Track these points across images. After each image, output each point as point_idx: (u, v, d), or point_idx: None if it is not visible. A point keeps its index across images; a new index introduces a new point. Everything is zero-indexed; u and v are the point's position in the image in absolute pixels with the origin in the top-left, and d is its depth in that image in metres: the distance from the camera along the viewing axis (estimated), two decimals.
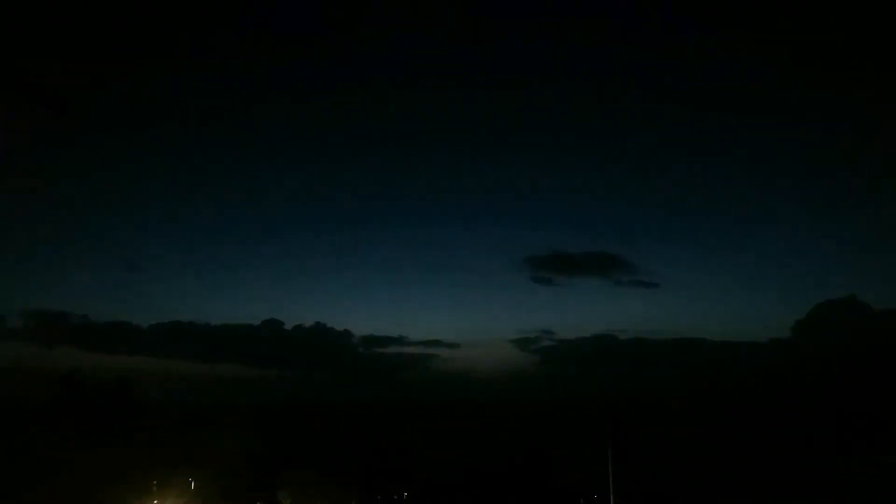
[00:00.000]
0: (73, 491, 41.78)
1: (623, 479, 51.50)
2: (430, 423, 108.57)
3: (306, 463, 62.67)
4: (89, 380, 50.52)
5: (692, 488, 60.06)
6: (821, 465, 56.92)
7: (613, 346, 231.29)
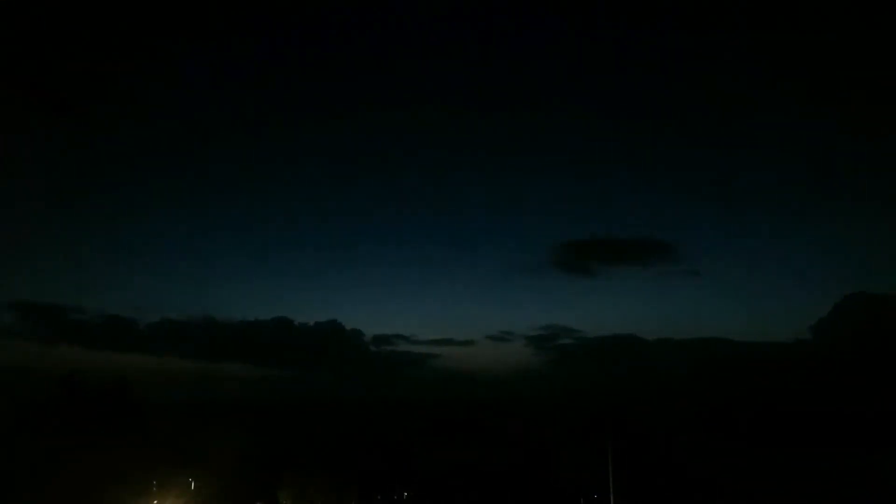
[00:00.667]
0: (73, 491, 41.75)
1: (623, 479, 51.52)
2: (431, 424, 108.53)
3: (307, 463, 62.60)
4: (89, 379, 50.46)
5: (694, 489, 59.99)
6: (825, 465, 56.84)
7: (634, 347, 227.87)
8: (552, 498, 62.97)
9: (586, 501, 62.46)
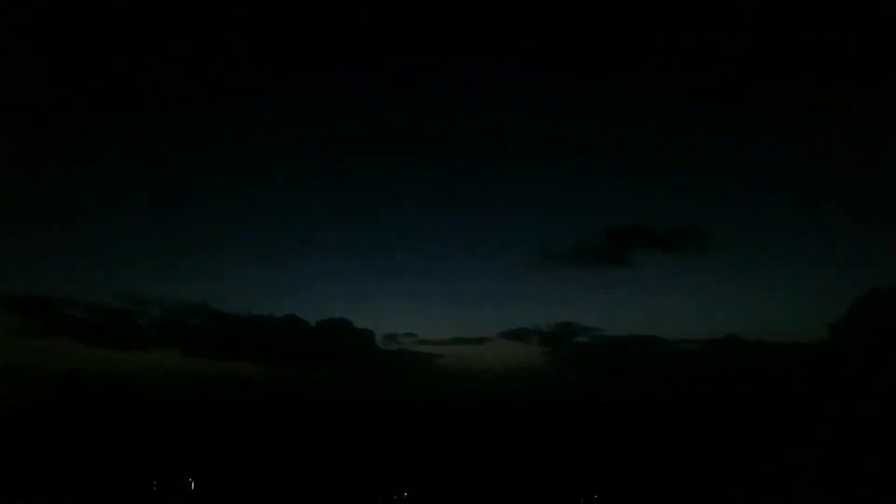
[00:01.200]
0: (73, 491, 41.92)
1: (623, 479, 51.53)
2: (435, 423, 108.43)
3: (308, 462, 62.73)
4: (89, 379, 50.65)
5: (700, 491, 59.75)
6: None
7: (651, 347, 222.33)
8: (552, 498, 62.91)
9: (586, 501, 62.37)
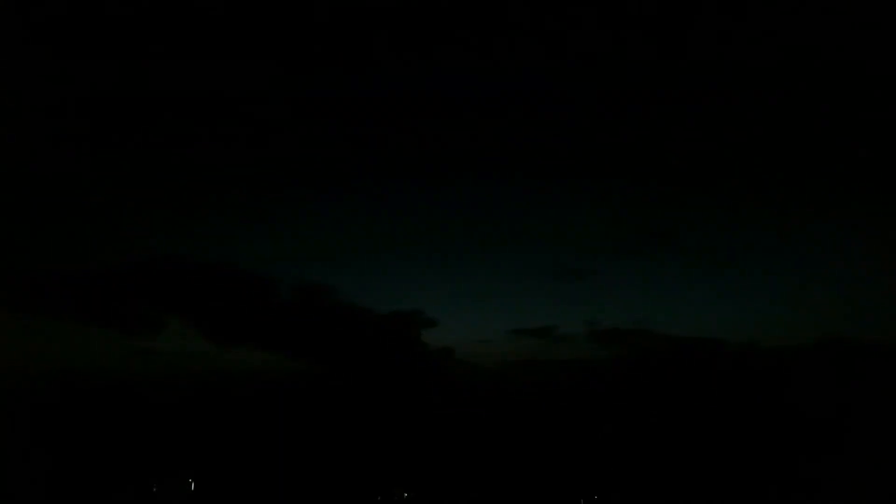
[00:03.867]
0: (74, 491, 42.02)
1: (624, 479, 51.35)
2: (445, 422, 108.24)
3: (307, 463, 62.73)
4: (89, 379, 50.72)
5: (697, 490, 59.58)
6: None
7: (713, 351, 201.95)
8: (552, 498, 62.87)
9: (586, 501, 62.30)
